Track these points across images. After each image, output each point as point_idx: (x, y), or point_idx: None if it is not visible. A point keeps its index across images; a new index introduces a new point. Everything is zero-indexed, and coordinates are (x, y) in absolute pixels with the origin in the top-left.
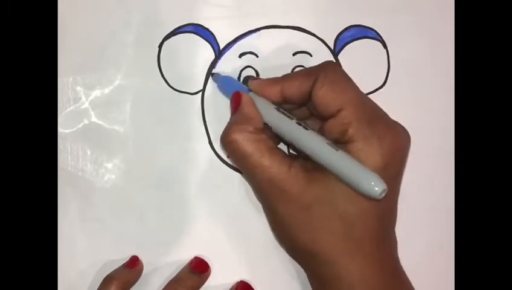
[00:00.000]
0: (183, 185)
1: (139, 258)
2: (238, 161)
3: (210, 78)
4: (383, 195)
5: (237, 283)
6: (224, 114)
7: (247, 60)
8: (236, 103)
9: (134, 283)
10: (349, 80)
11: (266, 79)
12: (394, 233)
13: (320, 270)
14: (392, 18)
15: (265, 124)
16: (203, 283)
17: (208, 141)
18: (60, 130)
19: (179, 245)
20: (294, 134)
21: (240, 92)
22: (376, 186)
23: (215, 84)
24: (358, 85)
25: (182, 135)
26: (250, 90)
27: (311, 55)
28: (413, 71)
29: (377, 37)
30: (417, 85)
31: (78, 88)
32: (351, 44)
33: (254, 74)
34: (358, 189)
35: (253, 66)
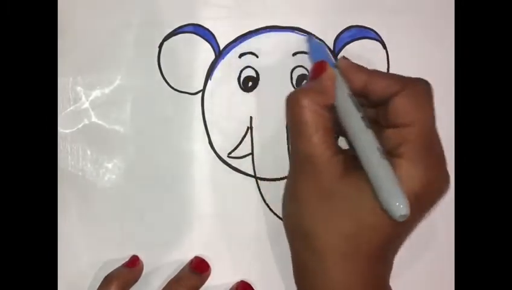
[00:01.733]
0: (183, 185)
1: (139, 258)
2: (293, 123)
3: (210, 78)
4: (402, 220)
5: (237, 283)
6: (224, 114)
7: (247, 60)
8: (318, 71)
9: (134, 283)
10: (432, 102)
11: (357, 64)
12: (393, 259)
13: (307, 257)
14: (392, 18)
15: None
16: (203, 283)
17: (207, 141)
18: (60, 130)
19: (179, 245)
20: (354, 125)
21: (325, 62)
22: (400, 209)
23: (307, 45)
24: None
25: (182, 135)
26: (335, 67)
27: None
28: (413, 71)
29: (377, 37)
30: None
31: (78, 88)
32: (351, 44)
33: (254, 74)
34: (382, 201)
35: (253, 66)
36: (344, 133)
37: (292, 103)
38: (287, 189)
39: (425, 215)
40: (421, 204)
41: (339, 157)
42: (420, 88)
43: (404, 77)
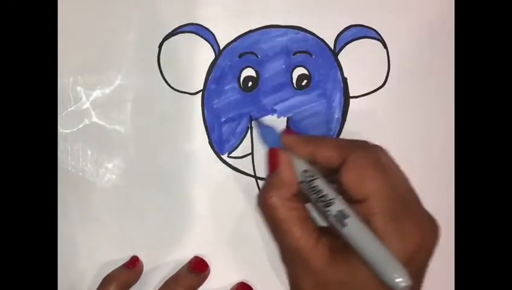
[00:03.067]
0: (183, 185)
1: (139, 258)
2: (270, 224)
3: (210, 78)
4: None
5: (237, 284)
6: (224, 114)
7: (247, 60)
8: (274, 162)
9: (134, 283)
10: (381, 167)
11: (299, 136)
12: None
13: None
14: (392, 18)
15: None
16: (201, 283)
17: (207, 141)
18: (60, 130)
19: (179, 245)
20: (325, 210)
21: (277, 150)
22: (401, 281)
23: (255, 130)
24: (358, 85)
25: (182, 135)
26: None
27: (311, 55)
28: (413, 71)
29: (377, 37)
30: (417, 85)
31: (79, 88)
32: (351, 44)
33: (254, 74)
34: (382, 278)
35: (253, 66)
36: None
37: (263, 206)
38: (289, 281)
39: (424, 272)
40: (413, 267)
41: (323, 242)
42: (363, 155)
43: (346, 144)
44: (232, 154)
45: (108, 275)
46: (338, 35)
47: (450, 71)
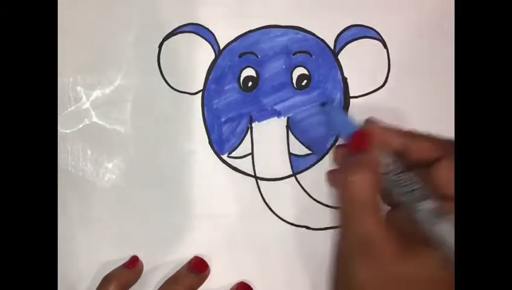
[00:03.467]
0: (183, 185)
1: (139, 258)
2: (346, 204)
3: (210, 78)
4: None
5: (237, 284)
6: (224, 114)
7: (247, 60)
8: (363, 144)
9: (133, 283)
10: None
11: (391, 127)
12: None
13: None
14: (392, 18)
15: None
16: (201, 283)
17: (208, 141)
18: (60, 130)
19: (179, 245)
20: (409, 200)
21: (366, 131)
22: None
23: (326, 111)
24: (358, 85)
25: (182, 135)
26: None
27: (311, 55)
28: (413, 71)
29: (377, 37)
30: (417, 85)
31: (79, 88)
32: (351, 44)
33: (254, 74)
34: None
35: (253, 66)
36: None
37: (345, 183)
38: (341, 278)
39: None
40: None
41: (392, 233)
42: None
43: (442, 140)
44: (232, 154)
45: (108, 275)
46: (338, 35)
47: (450, 71)
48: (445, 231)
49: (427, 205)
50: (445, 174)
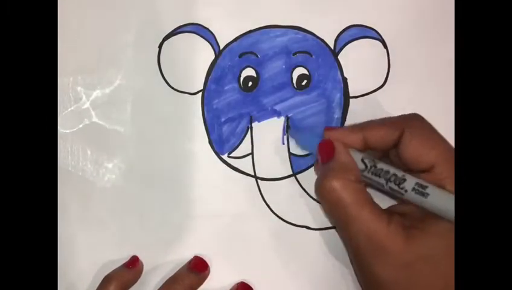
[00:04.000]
0: (183, 185)
1: (139, 258)
2: (335, 210)
3: (210, 78)
4: None
5: (237, 284)
6: (224, 114)
7: (247, 60)
8: (328, 152)
9: (133, 283)
10: (438, 133)
11: (345, 127)
12: None
13: None
14: (392, 18)
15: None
16: (201, 283)
17: (208, 141)
18: (60, 130)
19: (179, 245)
20: (395, 189)
21: (329, 140)
22: None
23: (293, 139)
24: (358, 85)
25: (182, 135)
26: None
27: (311, 55)
28: (413, 71)
29: (377, 37)
30: (417, 85)
31: (79, 88)
32: (351, 44)
33: (254, 74)
34: None
35: (253, 66)
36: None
37: (325, 191)
38: (362, 278)
39: None
40: None
41: (394, 222)
42: (419, 125)
43: (394, 118)
44: (232, 155)
45: (108, 275)
46: (338, 35)
47: (450, 71)
48: (436, 200)
49: (407, 185)
50: (410, 150)
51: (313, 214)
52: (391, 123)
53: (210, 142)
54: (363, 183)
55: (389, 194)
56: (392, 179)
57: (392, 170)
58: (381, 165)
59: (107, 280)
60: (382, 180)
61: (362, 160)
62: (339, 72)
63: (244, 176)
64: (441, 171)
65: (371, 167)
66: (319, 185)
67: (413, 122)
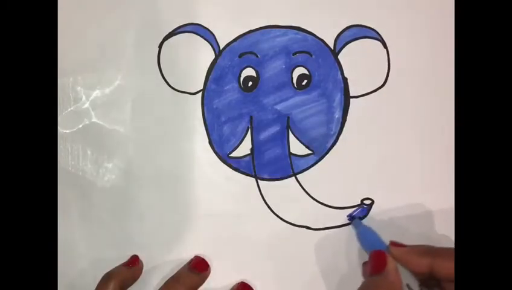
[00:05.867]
0: (183, 185)
1: (139, 258)
2: None
3: (210, 78)
4: None
5: (237, 283)
6: (224, 114)
7: (247, 60)
8: (380, 264)
9: (133, 282)
10: None
11: (413, 248)
12: None
13: None
14: (392, 18)
15: None
16: (202, 283)
17: (208, 141)
18: (60, 130)
19: (179, 245)
20: None
21: (385, 253)
22: None
23: (353, 230)
24: (358, 85)
25: (182, 135)
26: (387, 248)
27: (311, 55)
28: (413, 71)
29: (377, 37)
30: (417, 85)
31: (79, 88)
32: (351, 44)
33: (254, 74)
34: None
35: (253, 66)
36: None
37: None
38: None
39: None
40: None
41: None
42: None
43: None
44: (232, 155)
45: (108, 273)
46: (338, 35)
47: (450, 71)
48: None
49: None
50: None
51: (312, 214)
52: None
53: (210, 142)
54: None
55: None
56: None
57: None
58: None
59: (106, 278)
60: None
61: (407, 285)
62: (339, 72)
63: (244, 176)
64: None
65: None
66: None
67: None
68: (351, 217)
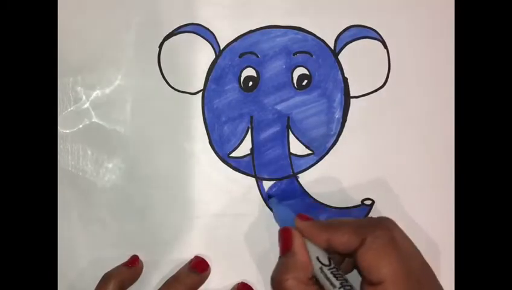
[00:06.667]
0: (183, 185)
1: (139, 258)
2: None
3: (210, 78)
4: None
5: (237, 284)
6: (224, 114)
7: (248, 60)
8: (287, 242)
9: (133, 282)
10: (396, 248)
11: (314, 223)
12: None
13: None
14: (392, 18)
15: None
16: (202, 283)
17: (208, 141)
18: (60, 130)
19: (179, 245)
20: None
21: (291, 230)
22: None
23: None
24: (358, 85)
25: (182, 135)
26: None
27: (311, 55)
28: (413, 71)
29: (377, 37)
30: (417, 85)
31: (79, 88)
32: (351, 44)
33: (254, 74)
34: None
35: (253, 66)
36: None
37: (279, 288)
38: None
39: None
40: None
41: None
42: (381, 236)
43: (363, 225)
44: (233, 155)
45: (107, 273)
46: (338, 36)
47: (450, 71)
48: None
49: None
50: (365, 261)
51: (313, 214)
52: (355, 230)
53: (210, 142)
54: (316, 285)
55: None
56: (345, 284)
57: (346, 282)
58: (337, 270)
59: (106, 278)
60: (334, 283)
61: (318, 257)
62: (339, 72)
63: (244, 176)
64: (388, 289)
65: (330, 269)
66: (272, 279)
67: (378, 231)
68: (268, 196)
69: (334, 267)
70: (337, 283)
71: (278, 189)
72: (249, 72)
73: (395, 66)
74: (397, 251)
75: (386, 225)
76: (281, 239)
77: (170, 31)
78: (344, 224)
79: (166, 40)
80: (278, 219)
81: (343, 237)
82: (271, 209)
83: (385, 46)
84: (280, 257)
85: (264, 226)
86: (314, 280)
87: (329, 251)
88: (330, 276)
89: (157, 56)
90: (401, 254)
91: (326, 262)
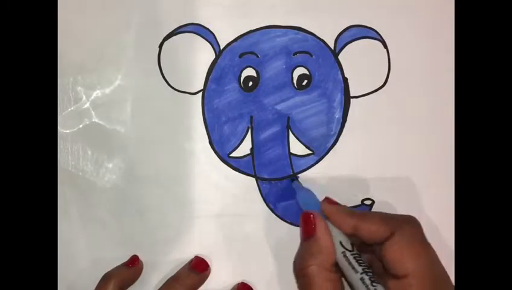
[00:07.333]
0: (183, 185)
1: (139, 258)
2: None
3: (210, 78)
4: None
5: (237, 284)
6: (224, 114)
7: (248, 60)
8: (310, 226)
9: (133, 282)
10: (425, 245)
11: (342, 207)
12: None
13: None
14: (392, 18)
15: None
16: (202, 283)
17: (208, 141)
18: (60, 130)
19: (179, 245)
20: (356, 285)
21: (315, 214)
22: None
23: (296, 191)
24: (358, 85)
25: (182, 135)
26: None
27: (311, 55)
28: (413, 71)
29: (377, 37)
30: (417, 85)
31: (79, 88)
32: (351, 44)
33: (254, 74)
34: None
35: (253, 66)
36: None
37: (302, 276)
38: None
39: None
40: None
41: None
42: (410, 232)
43: (392, 218)
44: (233, 155)
45: (107, 273)
46: (338, 36)
47: (450, 71)
48: None
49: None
50: (393, 254)
51: None
52: (385, 221)
53: (210, 142)
54: (338, 273)
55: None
56: (366, 276)
57: (368, 269)
58: (360, 258)
59: (106, 278)
60: (354, 273)
61: (340, 242)
62: (339, 72)
63: (244, 176)
64: (411, 283)
65: (353, 254)
66: (295, 265)
67: (405, 226)
68: (291, 179)
69: (356, 253)
70: (359, 269)
71: (278, 189)
72: (249, 72)
73: (395, 66)
74: (424, 247)
75: (416, 222)
76: (304, 223)
77: (170, 31)
78: (373, 214)
79: (166, 40)
80: (300, 202)
81: (373, 225)
82: (271, 209)
83: (385, 46)
84: (302, 242)
85: (264, 226)
86: (336, 268)
87: (352, 238)
88: (353, 261)
89: (157, 56)
90: (427, 251)
91: (349, 247)
